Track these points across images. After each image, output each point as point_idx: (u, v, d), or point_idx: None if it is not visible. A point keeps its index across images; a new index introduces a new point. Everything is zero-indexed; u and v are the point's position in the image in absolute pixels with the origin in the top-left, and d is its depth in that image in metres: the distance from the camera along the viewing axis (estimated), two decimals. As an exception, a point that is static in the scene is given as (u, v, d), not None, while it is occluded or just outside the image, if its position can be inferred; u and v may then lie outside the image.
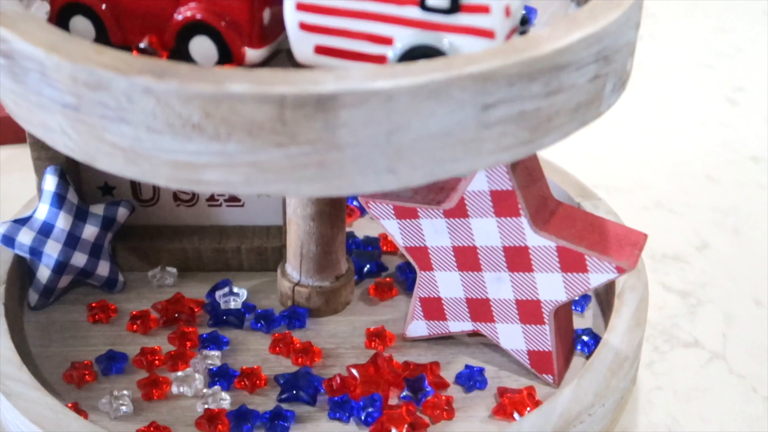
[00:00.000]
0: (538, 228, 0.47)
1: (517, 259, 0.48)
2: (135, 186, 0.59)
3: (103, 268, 0.56)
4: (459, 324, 0.52)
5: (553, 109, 0.38)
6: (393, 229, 0.51)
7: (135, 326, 0.55)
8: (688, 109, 0.82)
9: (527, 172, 0.47)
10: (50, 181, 0.55)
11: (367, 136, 0.35)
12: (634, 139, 0.78)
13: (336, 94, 0.34)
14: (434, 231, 0.50)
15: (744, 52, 0.92)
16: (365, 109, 0.34)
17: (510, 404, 0.49)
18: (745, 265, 0.64)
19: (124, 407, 0.49)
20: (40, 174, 0.56)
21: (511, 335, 0.51)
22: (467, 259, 0.50)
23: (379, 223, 0.51)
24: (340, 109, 0.34)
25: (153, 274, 0.58)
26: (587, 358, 0.53)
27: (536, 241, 0.47)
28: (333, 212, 0.53)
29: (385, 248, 0.61)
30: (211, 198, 0.59)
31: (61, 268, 0.54)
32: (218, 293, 0.56)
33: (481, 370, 0.51)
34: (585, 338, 0.53)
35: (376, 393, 0.49)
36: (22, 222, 0.55)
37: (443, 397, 0.50)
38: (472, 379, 0.51)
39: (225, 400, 0.49)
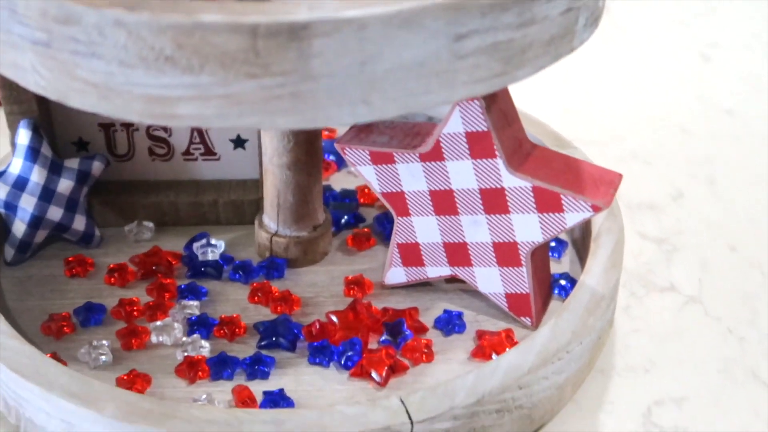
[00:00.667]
0: (514, 169, 0.47)
1: (494, 201, 0.48)
2: (110, 141, 0.58)
3: (79, 223, 0.56)
4: (437, 269, 0.52)
5: (526, 40, 0.38)
6: (369, 175, 0.51)
7: (113, 279, 0.54)
8: (663, 64, 0.83)
9: (502, 114, 0.47)
10: (23, 135, 0.54)
11: (341, 66, 0.35)
12: (609, 93, 0.78)
13: (309, 23, 0.34)
14: (410, 175, 0.50)
15: (717, 11, 0.93)
16: (338, 39, 0.34)
17: (488, 346, 0.50)
18: (720, 213, 0.64)
19: (103, 357, 0.49)
20: (13, 129, 0.55)
21: (489, 278, 0.51)
22: (444, 202, 0.50)
23: (356, 169, 0.51)
24: (313, 38, 0.34)
25: (130, 229, 0.58)
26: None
27: (512, 182, 0.47)
28: (309, 161, 0.53)
29: (362, 200, 0.61)
30: (187, 152, 0.59)
31: (36, 222, 0.54)
32: (196, 245, 0.56)
33: (459, 314, 0.52)
34: (562, 282, 0.54)
35: (356, 337, 0.50)
36: (-6, 177, 0.54)
37: (422, 341, 0.50)
38: (450, 323, 0.51)
39: (204, 348, 0.49)
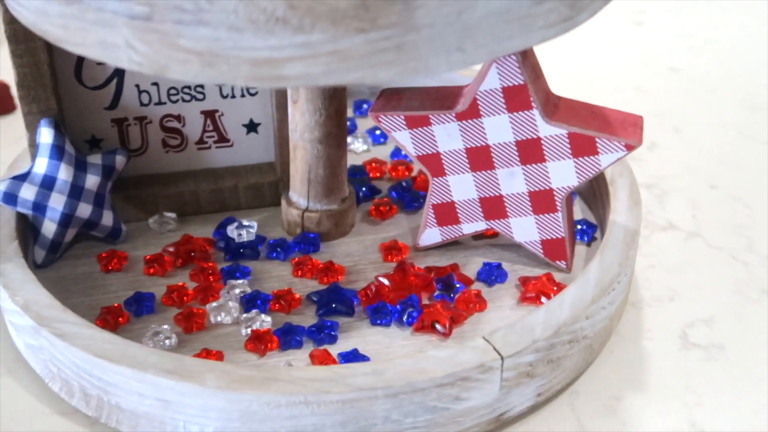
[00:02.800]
0: (549, 118, 0.50)
1: (530, 152, 0.51)
2: (123, 136, 0.58)
3: (107, 218, 0.56)
4: (472, 225, 0.55)
5: (587, -14, 0.41)
6: (405, 139, 0.53)
7: (152, 270, 0.55)
8: (603, 35, 0.88)
9: (532, 67, 0.50)
10: (46, 134, 0.54)
11: (441, 16, 0.37)
12: (561, 65, 0.83)
13: (415, -25, 0.36)
14: (447, 136, 0.52)
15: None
16: (441, -11, 0.36)
17: (534, 290, 0.52)
18: (693, 157, 0.69)
19: (168, 341, 0.49)
20: (32, 129, 0.55)
21: (525, 228, 0.54)
22: (480, 158, 0.52)
23: (391, 136, 0.53)
24: (418, -10, 0.36)
25: (154, 221, 0.58)
26: (588, 245, 0.57)
27: (548, 131, 0.50)
28: (339, 133, 0.54)
29: (372, 174, 0.63)
30: (200, 141, 0.59)
31: (67, 220, 0.54)
32: (230, 228, 0.57)
33: (499, 265, 0.54)
34: (581, 227, 0.57)
35: (413, 294, 0.52)
36: (21, 178, 0.53)
37: (472, 291, 0.52)
38: (492, 274, 0.54)
39: (266, 322, 0.50)
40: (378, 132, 0.67)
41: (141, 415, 0.45)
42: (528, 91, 0.50)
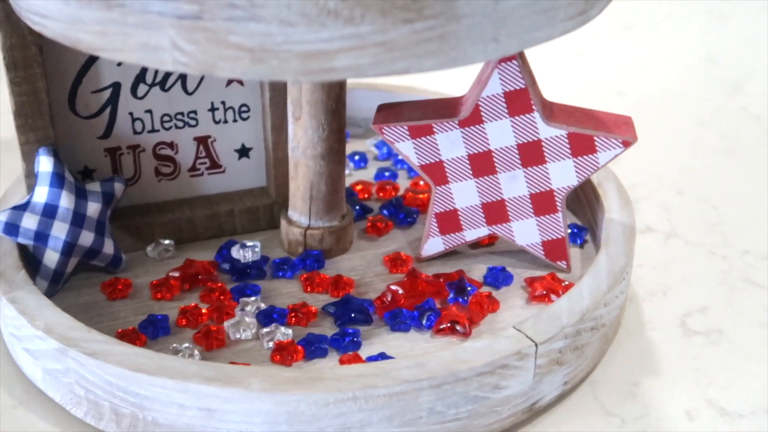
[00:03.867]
0: (549, 120, 0.53)
1: (531, 154, 0.53)
2: (116, 166, 0.58)
3: (109, 246, 0.55)
4: (475, 231, 0.56)
5: (598, -18, 0.44)
6: (408, 150, 0.54)
7: (159, 294, 0.54)
8: (545, 64, 0.91)
9: (528, 72, 0.52)
10: (46, 162, 0.53)
11: (480, 6, 0.39)
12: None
13: (458, -34, 0.38)
14: (449, 143, 0.54)
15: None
16: (480, -21, 0.38)
17: (543, 288, 0.54)
18: (656, 167, 0.73)
19: (192, 358, 0.49)
20: (29, 158, 0.54)
21: (526, 230, 0.56)
22: (482, 164, 0.54)
23: (394, 147, 0.54)
24: (460, -20, 0.38)
25: (152, 249, 0.58)
26: (581, 247, 0.59)
27: (548, 132, 0.53)
28: (340, 149, 0.55)
29: (360, 196, 0.64)
30: (193, 168, 0.59)
31: (70, 249, 0.53)
32: (233, 249, 0.57)
33: (503, 268, 0.56)
34: (571, 231, 0.59)
35: (429, 298, 0.52)
36: (22, 208, 0.52)
37: (483, 293, 0.53)
38: (498, 277, 0.55)
39: (287, 334, 0.50)
40: (357, 157, 0.68)
41: (180, 429, 0.44)
42: (529, 94, 0.52)
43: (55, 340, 0.45)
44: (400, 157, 0.68)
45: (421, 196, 0.63)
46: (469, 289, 0.54)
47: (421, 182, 0.65)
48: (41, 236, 0.52)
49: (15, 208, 0.52)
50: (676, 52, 0.94)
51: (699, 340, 0.54)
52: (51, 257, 0.52)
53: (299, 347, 0.49)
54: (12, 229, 0.52)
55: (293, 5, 0.37)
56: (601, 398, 0.50)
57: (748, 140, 0.77)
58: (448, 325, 0.51)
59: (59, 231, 0.52)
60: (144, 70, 0.56)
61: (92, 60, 0.55)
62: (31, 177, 0.54)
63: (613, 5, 0.98)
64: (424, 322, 0.52)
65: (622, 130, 0.53)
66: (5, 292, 0.49)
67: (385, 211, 0.62)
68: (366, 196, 0.64)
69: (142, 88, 0.56)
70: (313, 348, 0.49)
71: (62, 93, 0.55)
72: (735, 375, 0.52)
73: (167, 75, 0.56)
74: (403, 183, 0.66)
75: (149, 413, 0.44)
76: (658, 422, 0.48)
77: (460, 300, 0.53)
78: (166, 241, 0.58)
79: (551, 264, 0.56)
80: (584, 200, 0.61)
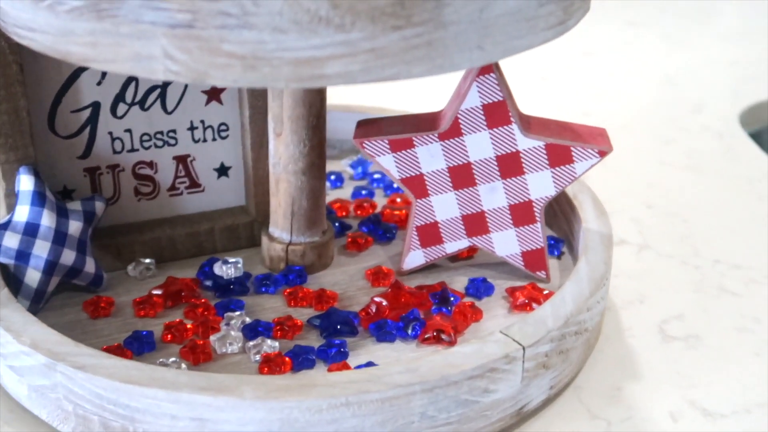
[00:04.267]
0: (527, 131, 0.54)
1: (509, 165, 0.54)
2: (95, 186, 0.58)
3: (90, 265, 0.55)
4: (455, 244, 0.57)
5: (575, -6, 0.45)
6: (388, 163, 0.55)
7: (142, 311, 0.54)
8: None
9: (505, 85, 0.54)
10: (26, 181, 0.53)
11: (466, 13, 0.40)
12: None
13: (445, -26, 0.39)
14: (429, 156, 0.54)
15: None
16: (466, -13, 0.39)
17: (525, 296, 0.55)
18: (624, 183, 0.74)
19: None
20: (9, 178, 0.54)
21: (506, 241, 0.56)
22: (462, 176, 0.55)
23: (374, 161, 0.55)
24: (447, -12, 0.39)
25: (133, 268, 0.57)
26: (558, 258, 0.60)
27: (526, 143, 0.54)
28: (320, 164, 0.56)
29: (339, 213, 0.64)
30: (172, 187, 0.60)
31: (51, 268, 0.52)
32: (216, 266, 0.57)
33: (484, 279, 0.56)
34: (550, 242, 0.60)
35: (414, 308, 0.53)
36: (2, 227, 0.52)
37: (466, 303, 0.54)
38: (480, 288, 0.56)
39: (274, 346, 0.50)
40: (333, 177, 0.69)
41: (172, 440, 0.44)
42: (507, 106, 0.53)
43: (43, 355, 0.45)
44: (376, 177, 0.69)
45: (398, 212, 0.64)
46: (452, 299, 0.54)
47: (398, 199, 0.66)
48: (23, 255, 0.52)
49: None
50: (636, 75, 0.96)
51: (677, 345, 0.55)
52: (32, 276, 0.52)
53: (287, 359, 0.49)
54: None
55: (285, 12, 0.38)
56: (587, 402, 0.51)
57: (711, 157, 0.79)
58: (434, 334, 0.52)
59: (41, 250, 0.52)
60: (124, 90, 0.56)
61: (72, 79, 0.55)
62: (11, 197, 0.54)
63: (573, 32, 1.01)
64: (409, 331, 0.52)
65: (597, 140, 0.54)
66: None
67: (364, 228, 0.62)
68: (344, 213, 0.65)
69: (121, 108, 0.56)
70: (300, 359, 0.50)
71: (42, 112, 0.55)
72: (714, 377, 0.53)
73: (147, 94, 0.57)
74: (380, 201, 0.66)
75: (140, 425, 0.44)
76: (643, 423, 0.49)
77: (444, 310, 0.54)
78: (147, 260, 0.58)
79: (531, 275, 0.57)
80: (560, 213, 0.62)
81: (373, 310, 0.53)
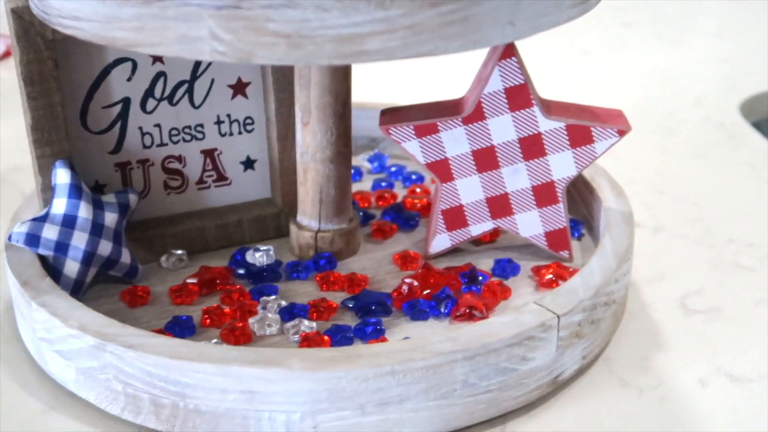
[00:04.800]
0: (548, 113, 0.55)
1: (532, 147, 0.56)
2: (125, 180, 0.59)
3: (126, 256, 0.56)
4: (480, 226, 0.58)
5: (596, -27, 0.47)
6: (414, 149, 0.56)
7: (179, 299, 0.55)
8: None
9: (525, 69, 0.55)
10: (63, 174, 0.54)
11: (499, -11, 0.42)
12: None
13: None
14: (454, 140, 0.56)
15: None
16: (499, -36, 0.41)
17: (554, 274, 0.56)
18: (633, 173, 0.76)
19: (221, 353, 0.50)
20: (45, 172, 0.55)
21: (529, 222, 0.58)
22: (486, 159, 0.56)
23: (400, 147, 0.56)
24: (481, -35, 0.41)
25: (165, 260, 0.59)
26: (578, 240, 0.62)
27: (548, 125, 0.55)
28: (347, 152, 0.58)
29: (361, 204, 0.66)
30: (200, 181, 0.61)
31: (89, 258, 0.53)
32: (248, 254, 0.58)
33: (509, 260, 0.58)
34: (569, 225, 0.62)
35: (446, 287, 0.54)
36: (41, 219, 0.53)
37: (494, 281, 0.56)
38: (506, 268, 0.57)
39: (312, 327, 0.52)
40: (352, 171, 0.70)
41: (222, 414, 0.45)
42: (528, 89, 0.55)
43: (92, 336, 0.46)
44: (393, 170, 0.71)
45: (419, 201, 0.65)
46: (480, 278, 0.56)
47: (418, 189, 0.67)
48: (62, 246, 0.53)
49: (35, 219, 0.53)
50: (634, 72, 0.99)
51: (699, 317, 0.57)
52: (71, 267, 0.53)
53: (326, 337, 0.51)
54: (33, 240, 0.52)
55: (329, -10, 0.39)
56: (617, 372, 0.52)
57: (715, 145, 0.81)
58: (466, 310, 0.53)
59: (79, 241, 0.53)
60: (153, 85, 0.58)
61: (103, 76, 0.56)
62: (46, 191, 0.55)
63: (571, 33, 1.03)
64: (442, 309, 0.53)
65: (615, 120, 0.56)
66: (34, 298, 0.49)
67: (387, 216, 0.64)
68: (366, 204, 0.66)
69: (151, 103, 0.58)
70: (339, 338, 0.51)
71: (74, 109, 0.56)
72: (738, 345, 0.54)
73: (175, 89, 0.58)
74: (400, 192, 0.68)
75: (191, 401, 0.45)
76: (674, 390, 0.51)
77: (474, 288, 0.55)
78: (179, 251, 0.59)
79: (554, 254, 0.59)
80: (577, 196, 0.64)
81: (405, 290, 0.54)
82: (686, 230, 0.67)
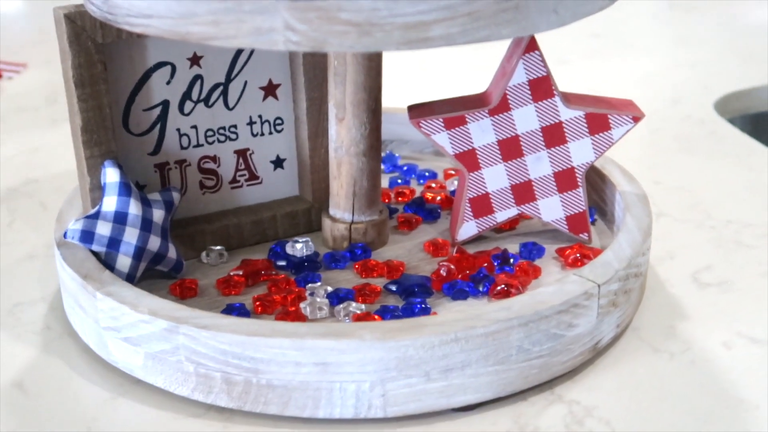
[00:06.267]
0: (568, 103, 0.59)
1: (553, 135, 0.60)
2: (164, 180, 0.61)
3: (172, 251, 0.58)
4: (505, 213, 0.62)
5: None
6: (443, 140, 0.60)
7: (227, 290, 0.57)
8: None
9: (546, 63, 0.59)
10: (112, 173, 0.56)
11: (546, -20, 0.46)
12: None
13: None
14: (481, 131, 0.60)
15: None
16: (545, -44, 0.45)
17: (580, 253, 0.60)
18: (631, 165, 0.80)
19: (280, 334, 0.52)
20: (94, 172, 0.57)
21: (551, 207, 0.62)
22: (511, 148, 0.60)
23: (430, 139, 0.60)
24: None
25: (206, 256, 0.61)
26: (592, 224, 0.65)
27: (568, 114, 0.59)
28: (378, 146, 0.61)
29: (382, 200, 0.69)
30: (233, 180, 0.63)
31: (139, 253, 0.55)
32: (288, 245, 0.60)
33: (534, 243, 0.61)
34: (583, 212, 0.66)
35: (482, 267, 0.58)
36: (94, 216, 0.55)
37: (524, 262, 0.59)
38: (531, 251, 0.61)
39: (361, 308, 0.54)
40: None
41: (294, 388, 0.47)
42: (550, 81, 0.59)
43: (164, 320, 0.48)
44: (405, 169, 0.74)
45: (438, 195, 0.68)
46: (512, 260, 0.59)
47: (433, 185, 0.71)
48: (114, 242, 0.55)
49: (88, 217, 0.55)
50: (612, 77, 1.04)
51: (713, 289, 0.61)
52: (123, 262, 0.55)
53: (377, 316, 0.53)
54: (87, 236, 0.54)
55: (397, -19, 0.43)
56: (647, 339, 0.56)
57: (698, 140, 0.86)
58: (504, 288, 0.56)
59: (130, 236, 0.55)
60: (190, 88, 0.60)
61: (144, 79, 0.59)
62: (95, 190, 0.57)
63: (546, 43, 1.07)
64: (480, 288, 0.57)
65: (629, 108, 0.60)
66: (98, 289, 0.51)
67: (409, 210, 0.67)
68: (386, 200, 0.69)
69: (188, 105, 0.60)
70: (389, 317, 0.54)
71: (117, 112, 0.59)
72: (753, 312, 0.59)
73: (211, 92, 0.61)
74: (416, 188, 0.71)
75: (263, 376, 0.47)
76: (701, 353, 0.55)
77: (507, 269, 0.58)
78: (218, 247, 0.61)
79: (574, 237, 0.62)
80: (587, 185, 0.68)
81: (444, 273, 0.58)
82: (687, 215, 0.71)
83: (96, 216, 0.55)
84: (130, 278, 0.56)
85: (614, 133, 0.60)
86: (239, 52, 0.61)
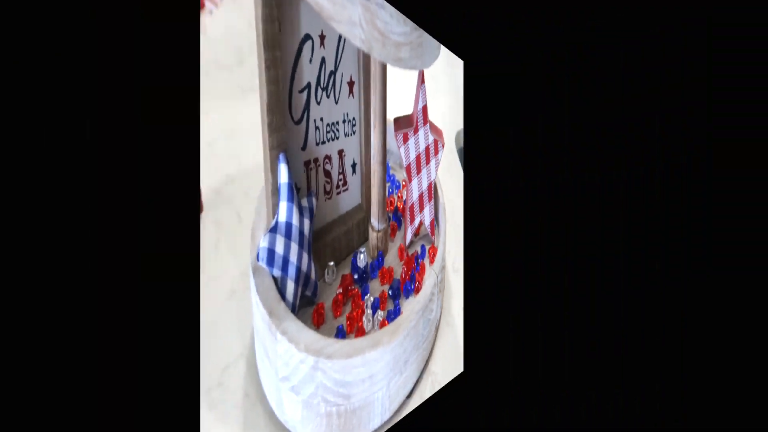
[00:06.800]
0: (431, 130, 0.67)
1: (426, 154, 0.64)
2: (309, 182, 0.54)
3: (312, 270, 0.52)
4: (417, 220, 0.64)
5: None
6: (402, 152, 0.61)
7: (338, 312, 0.55)
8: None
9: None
10: (284, 172, 0.49)
11: None
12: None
13: None
14: (413, 146, 0.62)
15: None
16: None
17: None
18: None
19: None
20: (274, 168, 0.49)
21: (427, 214, 0.66)
22: (419, 163, 0.63)
23: (398, 151, 0.61)
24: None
25: (327, 274, 0.57)
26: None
27: (430, 138, 0.63)
28: (385, 154, 0.59)
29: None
30: (338, 185, 0.57)
31: (299, 276, 0.50)
32: (359, 258, 0.58)
33: (423, 245, 0.67)
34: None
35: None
36: (273, 230, 0.49)
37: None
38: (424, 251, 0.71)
39: (382, 316, 0.55)
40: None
41: None
42: (426, 110, 0.63)
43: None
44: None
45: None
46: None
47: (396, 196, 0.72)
48: (285, 263, 0.49)
49: (271, 231, 0.49)
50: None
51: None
52: (290, 288, 0.50)
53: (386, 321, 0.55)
54: (271, 256, 0.48)
55: None
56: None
57: (450, 167, 0.92)
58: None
59: (294, 255, 0.50)
60: (320, 72, 0.53)
61: (299, 53, 0.50)
62: (275, 194, 0.50)
63: None
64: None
65: (441, 136, 0.66)
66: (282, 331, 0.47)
67: (395, 219, 0.69)
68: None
69: (318, 92, 0.53)
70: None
71: (285, 90, 0.50)
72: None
73: (328, 79, 0.54)
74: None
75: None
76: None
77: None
78: (331, 263, 0.57)
79: (430, 238, 0.68)
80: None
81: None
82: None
83: (274, 229, 0.48)
84: (294, 308, 0.50)
85: (439, 156, 0.66)
86: (341, 39, 0.54)
